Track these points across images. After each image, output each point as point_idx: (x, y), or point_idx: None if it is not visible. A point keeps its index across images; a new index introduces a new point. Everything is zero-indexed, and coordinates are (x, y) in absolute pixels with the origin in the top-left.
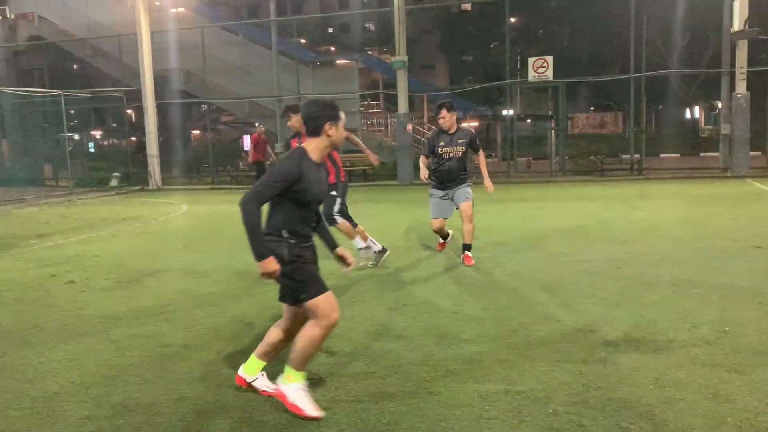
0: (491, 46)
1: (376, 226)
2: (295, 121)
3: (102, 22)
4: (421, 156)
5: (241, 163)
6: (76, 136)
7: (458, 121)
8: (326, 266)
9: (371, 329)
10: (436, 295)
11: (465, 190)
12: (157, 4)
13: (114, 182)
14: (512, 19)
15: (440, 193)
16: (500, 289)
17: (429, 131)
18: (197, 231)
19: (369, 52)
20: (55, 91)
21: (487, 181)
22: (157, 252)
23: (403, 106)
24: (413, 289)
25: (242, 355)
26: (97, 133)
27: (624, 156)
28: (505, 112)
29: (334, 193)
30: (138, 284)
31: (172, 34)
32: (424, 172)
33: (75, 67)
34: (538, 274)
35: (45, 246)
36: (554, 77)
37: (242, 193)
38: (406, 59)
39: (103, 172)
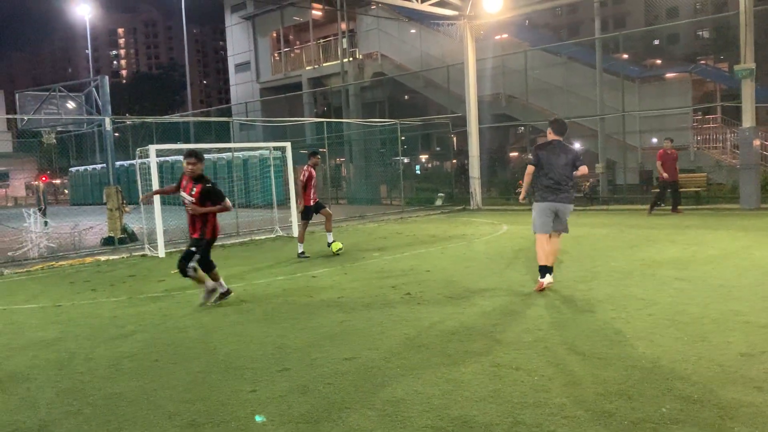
0: None
1: (715, 256)
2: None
3: (433, 55)
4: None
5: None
6: (406, 160)
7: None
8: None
9: (721, 375)
10: None
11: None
12: (482, 33)
13: (439, 201)
14: None
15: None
16: None
17: None
18: (518, 251)
19: (702, 62)
20: (392, 121)
21: None
22: (482, 270)
23: (749, 119)
24: None
25: (574, 384)
26: (424, 157)
27: None
28: None
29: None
30: (467, 301)
31: (495, 60)
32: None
33: (407, 97)
34: None
35: (385, 259)
36: None
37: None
38: (753, 66)
39: (429, 193)
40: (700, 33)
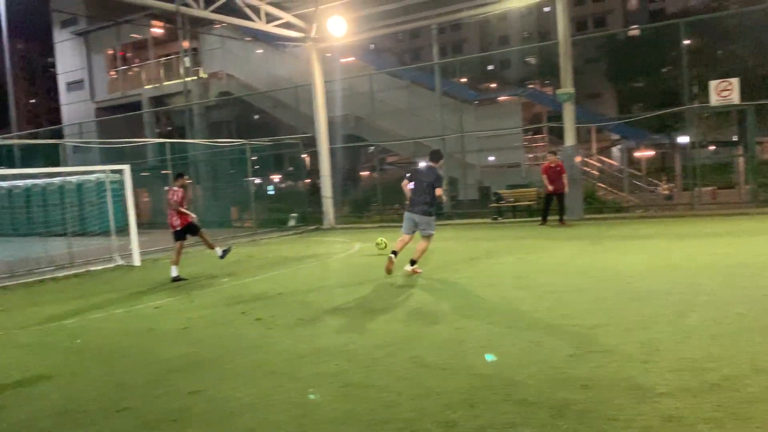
0: (663, 70)
1: (547, 264)
2: None
3: (281, 75)
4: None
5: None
6: (258, 180)
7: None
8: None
9: (553, 377)
10: (622, 342)
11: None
12: (329, 55)
13: (292, 222)
14: (686, 41)
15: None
16: (696, 336)
17: (599, 163)
18: (370, 269)
19: (531, 86)
20: (241, 141)
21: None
22: (335, 290)
23: (570, 138)
24: (595, 335)
25: (422, 397)
26: (276, 177)
27: None
28: (681, 140)
29: None
30: (319, 322)
31: (342, 82)
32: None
33: (256, 117)
34: (743, 320)
35: (234, 284)
36: (740, 100)
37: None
38: (573, 91)
39: (282, 214)
40: (528, 59)
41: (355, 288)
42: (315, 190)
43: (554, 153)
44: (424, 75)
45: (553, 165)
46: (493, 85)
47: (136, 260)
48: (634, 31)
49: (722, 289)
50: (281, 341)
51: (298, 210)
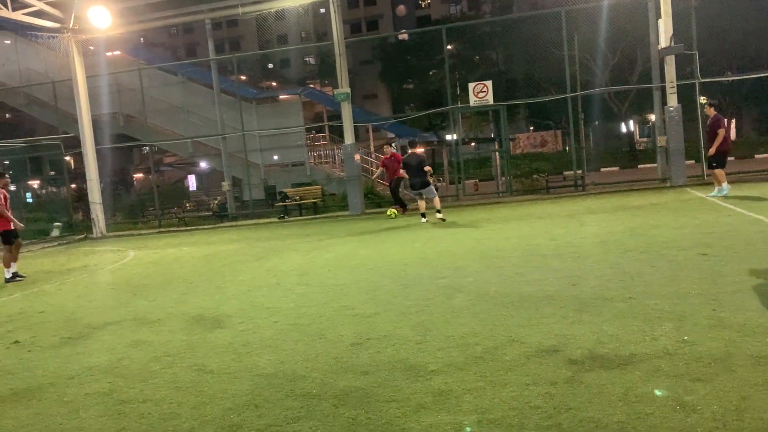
0: (430, 73)
1: (330, 259)
2: None
3: (35, 69)
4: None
5: (187, 204)
6: (13, 187)
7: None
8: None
9: (335, 367)
10: (398, 326)
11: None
12: (91, 48)
13: (56, 232)
14: (449, 47)
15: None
16: (462, 315)
17: (376, 160)
18: (146, 278)
19: (311, 86)
20: None
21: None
22: (107, 303)
23: (349, 136)
24: (374, 322)
25: (204, 405)
26: (35, 183)
27: (567, 173)
28: (449, 137)
29: None
30: (89, 339)
31: (109, 77)
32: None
33: (8, 116)
34: (498, 297)
35: None
36: (494, 101)
37: (191, 233)
38: (349, 91)
39: (43, 223)
40: (308, 59)
41: (129, 299)
42: (82, 195)
43: (390, 144)
44: (201, 72)
45: (389, 156)
46: (274, 84)
47: None
48: (404, 35)
49: (483, 271)
50: (44, 364)
51: (61, 218)
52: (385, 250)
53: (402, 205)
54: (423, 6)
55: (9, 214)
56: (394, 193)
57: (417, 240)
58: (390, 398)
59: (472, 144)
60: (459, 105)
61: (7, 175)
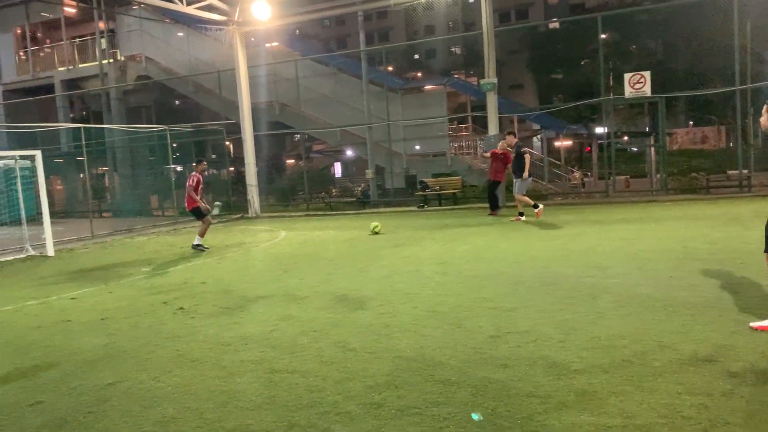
0: (582, 63)
1: (469, 250)
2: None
3: (203, 59)
4: None
5: (333, 190)
6: (179, 168)
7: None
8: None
9: (474, 357)
10: (539, 323)
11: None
12: (253, 39)
13: (216, 211)
14: (603, 35)
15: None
16: (608, 316)
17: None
18: (296, 257)
19: (456, 76)
20: (160, 127)
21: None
22: (260, 278)
23: (493, 127)
24: (514, 317)
25: (347, 381)
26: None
27: (731, 172)
28: (599, 130)
29: None
30: (243, 310)
31: (267, 68)
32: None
33: (177, 103)
34: (648, 300)
35: (155, 274)
36: (651, 92)
37: (336, 218)
38: (495, 80)
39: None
40: (454, 49)
41: (279, 276)
42: (239, 178)
43: (512, 134)
44: (351, 62)
45: (500, 151)
46: (419, 74)
47: (50, 250)
48: (555, 23)
49: (632, 272)
50: (204, 330)
51: (221, 198)
52: (526, 245)
53: (495, 207)
54: None
55: (195, 195)
56: (491, 194)
57: (560, 236)
58: (530, 393)
59: (625, 138)
60: (611, 96)
61: (205, 162)
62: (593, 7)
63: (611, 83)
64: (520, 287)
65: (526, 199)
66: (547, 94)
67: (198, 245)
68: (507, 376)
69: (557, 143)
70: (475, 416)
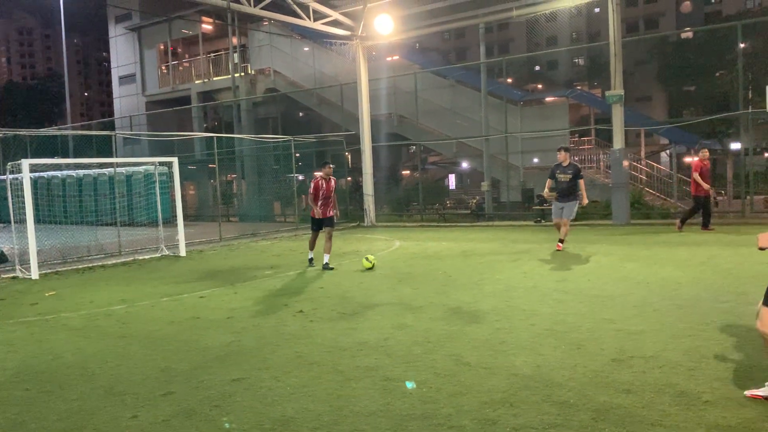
0: (717, 74)
1: (592, 268)
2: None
3: (327, 73)
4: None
5: (447, 201)
6: (301, 177)
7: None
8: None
9: (595, 380)
10: (668, 348)
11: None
12: (374, 53)
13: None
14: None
15: (559, 204)
16: (746, 345)
17: (647, 167)
18: (411, 267)
19: (578, 87)
20: (286, 137)
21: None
22: (376, 286)
23: (618, 141)
24: (640, 340)
25: (461, 395)
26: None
27: None
28: (733, 146)
29: None
30: (360, 316)
31: (387, 81)
32: (546, 192)
33: (301, 114)
34: None
35: (277, 277)
36: None
37: (450, 230)
38: (622, 93)
39: None
40: (577, 60)
41: (394, 285)
42: (356, 187)
43: (707, 149)
44: (470, 74)
45: (705, 162)
46: (540, 86)
47: (182, 251)
48: (688, 33)
49: None
50: (322, 333)
51: (339, 207)
52: (655, 265)
53: (683, 221)
54: (713, 1)
55: (311, 203)
56: (704, 210)
57: (694, 257)
58: (656, 422)
59: (766, 155)
60: (750, 110)
61: (331, 165)
62: (732, 15)
63: (750, 96)
64: (647, 309)
65: (567, 228)
66: (676, 107)
67: (326, 264)
68: (630, 402)
69: (688, 159)
70: (409, 384)
